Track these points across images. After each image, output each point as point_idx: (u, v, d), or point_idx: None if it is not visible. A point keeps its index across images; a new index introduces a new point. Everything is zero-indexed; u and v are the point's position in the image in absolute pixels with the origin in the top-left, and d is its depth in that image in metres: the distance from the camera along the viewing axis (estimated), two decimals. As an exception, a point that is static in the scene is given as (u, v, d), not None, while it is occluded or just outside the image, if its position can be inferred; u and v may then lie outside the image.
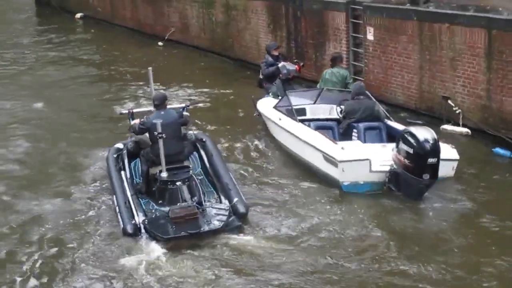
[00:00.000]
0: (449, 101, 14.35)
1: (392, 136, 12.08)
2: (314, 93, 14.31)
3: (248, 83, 17.43)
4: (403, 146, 10.95)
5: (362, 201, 11.28)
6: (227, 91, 18.64)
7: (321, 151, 11.99)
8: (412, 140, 10.81)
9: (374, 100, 13.30)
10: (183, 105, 12.79)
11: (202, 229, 10.14)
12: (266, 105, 14.65)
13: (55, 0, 34.65)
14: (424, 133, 10.88)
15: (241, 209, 10.64)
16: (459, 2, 15.01)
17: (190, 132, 12.59)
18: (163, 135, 10.68)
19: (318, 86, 14.83)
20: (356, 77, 16.39)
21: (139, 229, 10.30)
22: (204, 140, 12.54)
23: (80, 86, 20.19)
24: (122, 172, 11.68)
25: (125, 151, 12.08)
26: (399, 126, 12.55)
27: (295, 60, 16.29)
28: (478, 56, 13.66)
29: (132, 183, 11.55)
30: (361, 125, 12.59)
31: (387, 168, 11.31)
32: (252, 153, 13.85)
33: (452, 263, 9.40)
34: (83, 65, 22.96)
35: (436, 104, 14.79)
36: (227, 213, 10.47)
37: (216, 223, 10.26)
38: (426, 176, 10.77)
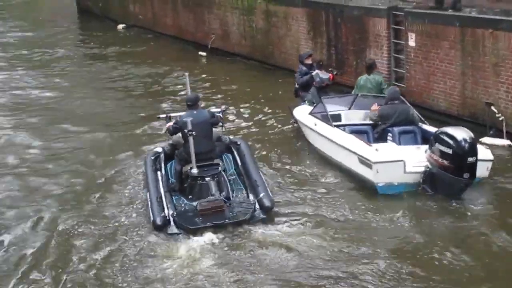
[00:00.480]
0: (492, 108, 14.02)
1: (427, 139, 11.95)
2: (349, 99, 14.33)
3: (287, 90, 17.33)
4: (439, 147, 10.91)
5: (396, 201, 11.17)
6: (266, 97, 18.55)
7: (355, 153, 11.97)
8: (449, 141, 10.79)
9: (409, 104, 13.19)
10: (219, 109, 13.03)
11: (227, 220, 10.47)
12: (302, 112, 14.65)
13: (97, 9, 35.07)
14: (460, 133, 10.86)
15: (267, 203, 10.87)
16: (502, 7, 14.66)
17: (225, 136, 12.86)
18: (193, 132, 11.01)
19: (353, 92, 14.79)
20: (397, 84, 16.12)
21: (168, 221, 10.58)
22: (239, 143, 12.85)
23: (121, 97, 20.11)
24: (158, 172, 12.04)
25: (162, 154, 12.51)
26: (434, 130, 12.33)
27: (330, 69, 16.18)
28: (522, 61, 13.32)
29: (167, 182, 11.90)
30: (396, 129, 12.56)
31: (422, 169, 11.28)
32: (286, 157, 13.75)
33: (491, 265, 9.32)
34: (124, 73, 22.97)
35: (479, 111, 14.45)
36: (252, 206, 10.77)
37: (241, 215, 10.61)
38: (466, 175, 10.77)
